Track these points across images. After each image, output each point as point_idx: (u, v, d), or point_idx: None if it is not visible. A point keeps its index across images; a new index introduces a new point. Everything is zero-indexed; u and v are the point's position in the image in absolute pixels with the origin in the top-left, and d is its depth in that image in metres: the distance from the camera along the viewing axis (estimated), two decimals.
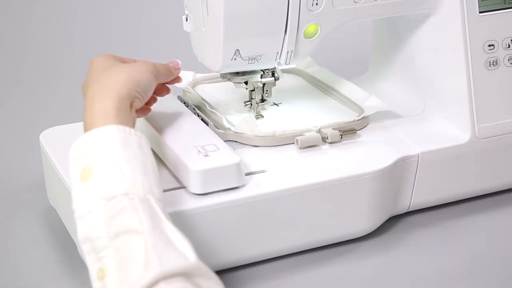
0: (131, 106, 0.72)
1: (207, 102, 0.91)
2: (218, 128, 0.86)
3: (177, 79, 0.83)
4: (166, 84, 0.82)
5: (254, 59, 0.84)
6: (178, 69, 0.82)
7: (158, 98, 0.83)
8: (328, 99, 0.96)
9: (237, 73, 0.88)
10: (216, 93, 0.96)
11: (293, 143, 0.85)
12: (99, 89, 0.71)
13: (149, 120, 0.84)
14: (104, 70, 0.74)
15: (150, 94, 0.77)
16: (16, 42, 1.43)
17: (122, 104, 0.70)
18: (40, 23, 1.47)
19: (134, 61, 0.79)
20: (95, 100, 0.70)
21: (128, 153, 0.67)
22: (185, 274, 0.60)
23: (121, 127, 0.68)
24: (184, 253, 0.61)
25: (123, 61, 0.78)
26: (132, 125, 0.71)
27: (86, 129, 0.69)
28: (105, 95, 0.70)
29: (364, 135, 0.88)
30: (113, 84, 0.71)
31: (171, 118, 0.84)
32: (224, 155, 0.77)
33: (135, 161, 0.66)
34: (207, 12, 0.81)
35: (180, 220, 0.73)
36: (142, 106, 0.76)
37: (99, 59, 0.76)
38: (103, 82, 0.72)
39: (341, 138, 0.86)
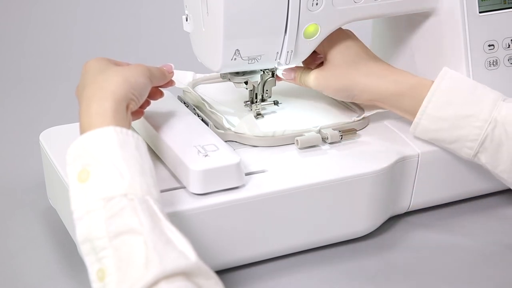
0: (127, 108, 0.72)
1: (207, 102, 0.91)
2: (218, 128, 0.86)
3: (170, 83, 0.83)
4: (159, 88, 0.82)
5: (254, 59, 0.84)
6: (171, 73, 0.82)
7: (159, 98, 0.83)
8: (328, 99, 0.95)
9: (237, 73, 0.88)
10: (216, 93, 0.96)
11: (293, 143, 0.85)
12: (96, 90, 0.71)
13: (149, 120, 0.84)
14: (100, 72, 0.74)
15: (145, 96, 0.77)
16: (16, 42, 1.43)
17: (119, 105, 0.71)
18: (40, 23, 1.47)
19: (128, 64, 0.79)
20: (93, 101, 0.70)
21: (126, 154, 0.67)
22: (186, 274, 0.60)
23: (118, 129, 0.68)
24: (184, 253, 0.61)
25: (117, 64, 0.78)
26: (128, 127, 0.71)
27: (83, 129, 0.69)
28: (102, 96, 0.70)
29: (364, 135, 0.88)
30: (110, 86, 0.71)
31: (171, 118, 0.84)
32: (224, 155, 0.77)
33: (133, 162, 0.66)
34: (207, 12, 0.81)
35: (180, 220, 0.73)
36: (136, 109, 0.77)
37: (93, 62, 0.76)
38: (100, 83, 0.72)
39: (341, 138, 0.86)
